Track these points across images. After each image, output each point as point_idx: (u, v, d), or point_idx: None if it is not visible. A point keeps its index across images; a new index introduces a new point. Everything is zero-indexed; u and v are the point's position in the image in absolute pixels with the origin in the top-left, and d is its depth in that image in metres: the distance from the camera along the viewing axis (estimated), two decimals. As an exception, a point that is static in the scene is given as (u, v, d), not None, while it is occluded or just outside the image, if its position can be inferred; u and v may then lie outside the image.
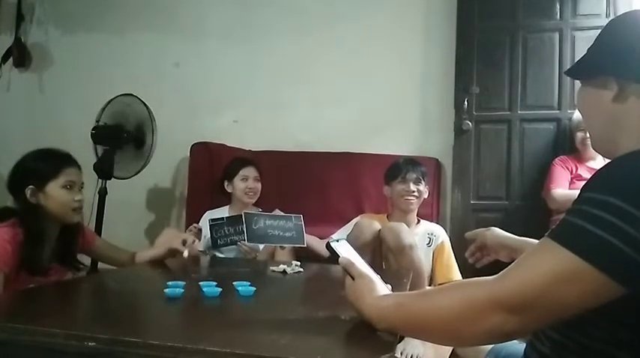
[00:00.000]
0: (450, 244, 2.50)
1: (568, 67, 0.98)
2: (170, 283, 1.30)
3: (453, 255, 2.48)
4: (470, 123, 3.08)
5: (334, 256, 1.06)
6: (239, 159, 2.84)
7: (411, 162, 2.55)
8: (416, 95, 3.34)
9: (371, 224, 2.30)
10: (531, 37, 3.10)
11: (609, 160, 0.82)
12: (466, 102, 3.08)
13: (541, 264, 0.74)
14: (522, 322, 0.75)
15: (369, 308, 0.93)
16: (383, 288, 0.97)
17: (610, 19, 2.82)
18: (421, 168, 2.55)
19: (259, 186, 2.71)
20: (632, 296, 0.71)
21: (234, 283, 1.34)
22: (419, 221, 2.56)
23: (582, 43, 2.92)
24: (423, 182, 2.50)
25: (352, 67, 3.37)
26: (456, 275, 2.45)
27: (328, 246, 1.08)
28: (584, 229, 0.72)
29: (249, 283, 1.34)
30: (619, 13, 2.83)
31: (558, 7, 3.06)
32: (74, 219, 1.77)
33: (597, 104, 0.89)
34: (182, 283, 1.31)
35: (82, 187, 1.79)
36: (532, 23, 3.09)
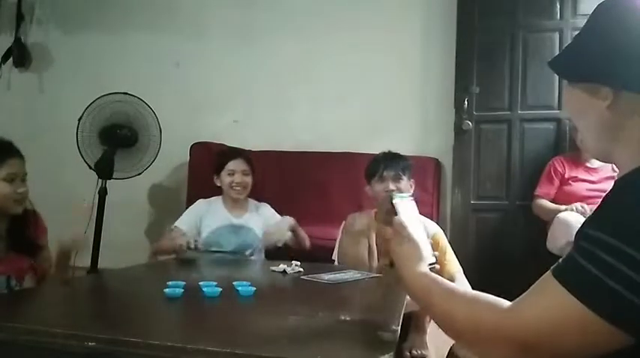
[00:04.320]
0: (444, 236, 2.48)
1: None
2: (170, 283, 1.30)
3: (449, 246, 2.45)
4: (470, 123, 3.07)
5: (393, 212, 1.00)
6: (227, 151, 2.71)
7: (390, 157, 2.47)
8: (416, 95, 3.34)
9: (360, 214, 2.34)
10: (531, 37, 3.09)
11: (608, 164, 0.79)
12: (466, 102, 3.08)
13: (548, 308, 0.72)
14: None
15: (406, 278, 0.96)
16: (428, 255, 0.99)
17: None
18: (401, 162, 2.47)
19: (248, 179, 2.54)
20: None
21: (234, 283, 1.34)
22: None
23: (582, 43, 2.91)
24: (403, 178, 2.43)
25: (352, 67, 3.37)
26: (455, 266, 2.42)
27: (390, 200, 1.01)
28: (592, 275, 0.68)
29: (249, 283, 1.34)
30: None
31: (558, 7, 3.06)
32: (17, 211, 1.69)
33: (590, 110, 0.84)
34: (182, 283, 1.32)
35: (24, 178, 1.71)
36: (532, 23, 3.09)
